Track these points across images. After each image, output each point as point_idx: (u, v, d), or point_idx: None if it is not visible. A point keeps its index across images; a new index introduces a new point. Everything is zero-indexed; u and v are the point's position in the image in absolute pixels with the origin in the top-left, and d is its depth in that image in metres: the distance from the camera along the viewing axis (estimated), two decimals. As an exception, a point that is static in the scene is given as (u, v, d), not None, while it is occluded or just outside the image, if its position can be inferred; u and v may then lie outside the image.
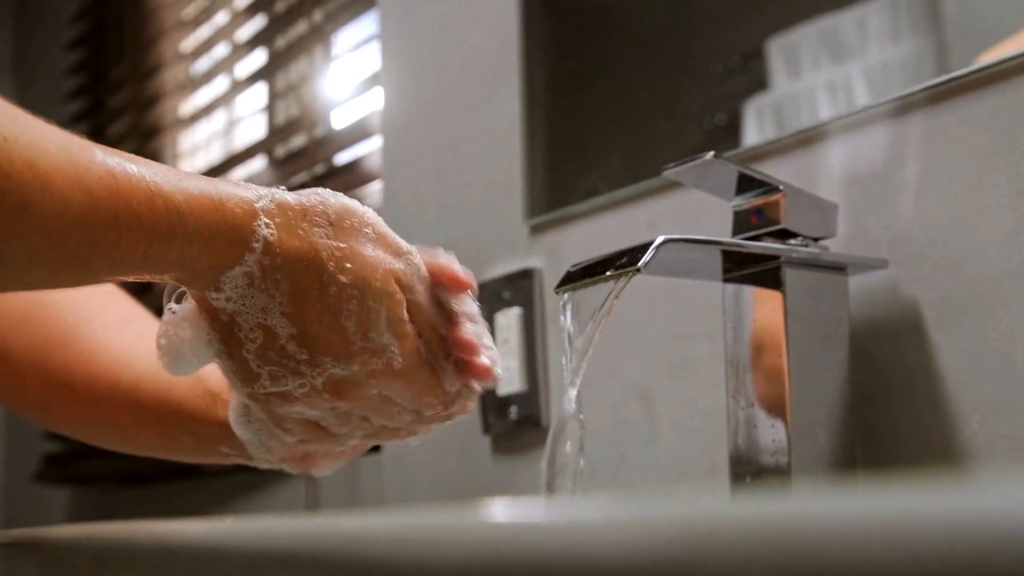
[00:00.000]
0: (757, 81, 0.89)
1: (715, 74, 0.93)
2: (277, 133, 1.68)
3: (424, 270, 0.60)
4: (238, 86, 1.80)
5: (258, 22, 1.75)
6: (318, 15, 1.59)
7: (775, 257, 0.71)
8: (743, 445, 0.73)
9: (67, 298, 0.76)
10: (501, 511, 0.27)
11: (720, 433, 0.80)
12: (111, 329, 0.76)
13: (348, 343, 0.57)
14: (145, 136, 1.97)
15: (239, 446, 0.68)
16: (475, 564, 0.26)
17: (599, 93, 1.05)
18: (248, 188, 0.56)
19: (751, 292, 0.74)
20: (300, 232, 0.56)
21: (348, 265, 0.56)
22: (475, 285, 0.64)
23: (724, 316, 0.75)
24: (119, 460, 1.47)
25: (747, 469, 0.73)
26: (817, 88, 0.85)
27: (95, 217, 0.51)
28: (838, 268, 0.74)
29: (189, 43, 1.93)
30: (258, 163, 1.74)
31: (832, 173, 0.82)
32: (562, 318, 0.69)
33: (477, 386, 0.64)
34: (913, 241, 0.76)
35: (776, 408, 0.71)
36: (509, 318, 1.08)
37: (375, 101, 1.40)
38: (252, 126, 1.82)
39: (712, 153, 0.69)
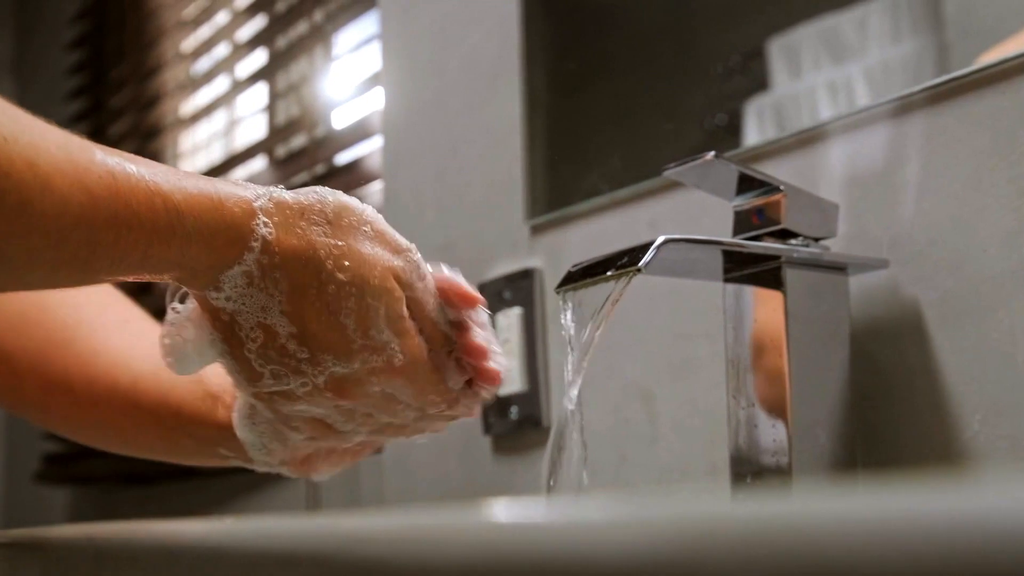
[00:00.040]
0: (758, 81, 0.89)
1: (716, 74, 0.93)
2: (278, 133, 1.68)
3: (424, 267, 0.60)
4: (239, 86, 1.80)
5: (259, 22, 1.75)
6: (319, 15, 1.59)
7: (776, 257, 0.71)
8: (744, 445, 0.73)
9: (66, 299, 0.76)
10: (502, 511, 0.27)
11: (721, 433, 0.80)
12: (110, 330, 0.76)
13: (348, 341, 0.57)
14: (146, 136, 1.97)
15: (239, 448, 0.68)
16: (476, 564, 0.26)
17: (599, 93, 1.05)
18: (247, 187, 0.56)
19: (752, 292, 0.74)
20: (298, 231, 0.56)
21: (346, 263, 0.56)
22: (484, 300, 0.64)
23: (725, 316, 0.75)
24: (119, 460, 1.47)
25: (748, 469, 0.73)
26: (818, 88, 0.85)
27: (95, 217, 0.51)
28: (839, 268, 0.74)
29: (190, 43, 1.93)
30: (259, 163, 1.74)
31: (833, 173, 0.82)
32: (563, 318, 0.68)
33: (487, 392, 0.64)
34: (914, 241, 0.76)
35: (777, 408, 0.71)
36: (510, 318, 1.08)
37: (376, 101, 1.40)
38: (253, 126, 1.82)
39: (713, 153, 0.69)
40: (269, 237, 0.55)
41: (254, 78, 1.74)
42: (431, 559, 0.27)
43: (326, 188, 0.58)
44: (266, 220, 0.55)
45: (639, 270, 0.65)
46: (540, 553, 0.24)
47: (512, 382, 1.08)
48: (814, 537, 0.19)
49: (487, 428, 1.11)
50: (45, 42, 2.35)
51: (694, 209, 0.91)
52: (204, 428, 0.70)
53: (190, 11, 1.92)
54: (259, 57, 1.75)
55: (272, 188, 0.57)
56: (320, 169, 1.55)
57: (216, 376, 0.69)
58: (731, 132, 0.91)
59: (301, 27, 1.63)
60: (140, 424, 0.73)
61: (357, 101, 1.47)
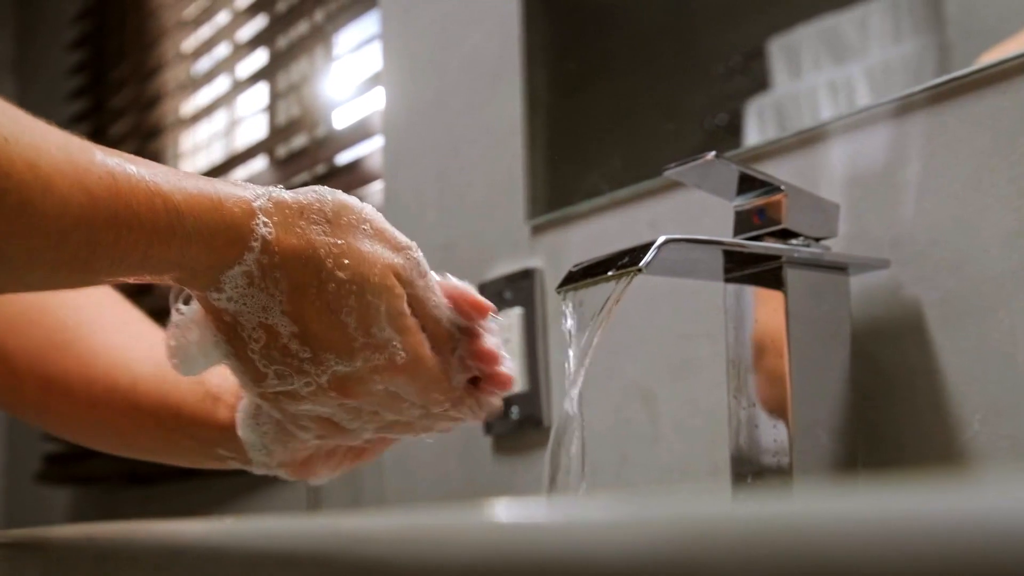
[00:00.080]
0: (758, 81, 0.89)
1: (716, 74, 0.93)
2: (278, 133, 1.68)
3: (425, 264, 0.60)
4: (239, 86, 1.80)
5: (259, 22, 1.75)
6: (319, 15, 1.59)
7: (777, 257, 0.71)
8: (745, 445, 0.73)
9: (66, 301, 0.76)
10: (503, 511, 0.27)
11: (722, 433, 0.80)
12: (110, 332, 0.76)
13: (350, 339, 0.57)
14: (146, 136, 1.97)
15: (238, 449, 0.68)
16: (477, 564, 0.26)
17: (600, 93, 1.05)
18: (246, 187, 0.57)
19: (753, 292, 0.74)
20: (297, 230, 0.56)
21: (346, 261, 0.56)
22: (495, 308, 0.64)
23: (725, 316, 0.75)
24: (120, 460, 1.47)
25: (749, 469, 0.73)
26: (818, 88, 0.85)
27: (95, 217, 0.51)
28: (840, 268, 0.74)
29: (190, 43, 1.93)
30: (259, 163, 1.74)
31: (833, 173, 0.82)
32: (563, 318, 0.68)
33: (495, 399, 0.64)
34: (914, 241, 0.76)
35: (778, 408, 0.71)
36: (510, 318, 1.08)
37: (376, 101, 1.40)
38: (253, 126, 1.82)
39: (713, 153, 0.69)
40: (269, 237, 0.55)
41: (255, 78, 1.74)
42: (432, 559, 0.27)
43: (325, 187, 0.58)
44: (266, 220, 0.55)
45: (640, 270, 0.65)
46: (541, 553, 0.24)
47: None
48: (815, 537, 0.19)
49: (488, 428, 1.11)
50: (46, 42, 2.35)
51: (695, 209, 0.91)
52: (204, 429, 0.70)
53: (191, 11, 1.92)
54: (260, 57, 1.75)
55: (271, 188, 0.57)
56: (321, 169, 1.55)
57: (217, 376, 0.69)
58: (732, 132, 0.91)
59: (302, 27, 1.64)
60: (139, 425, 0.73)
61: (358, 101, 1.47)
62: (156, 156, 1.94)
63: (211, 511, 1.61)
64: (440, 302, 0.60)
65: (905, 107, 0.78)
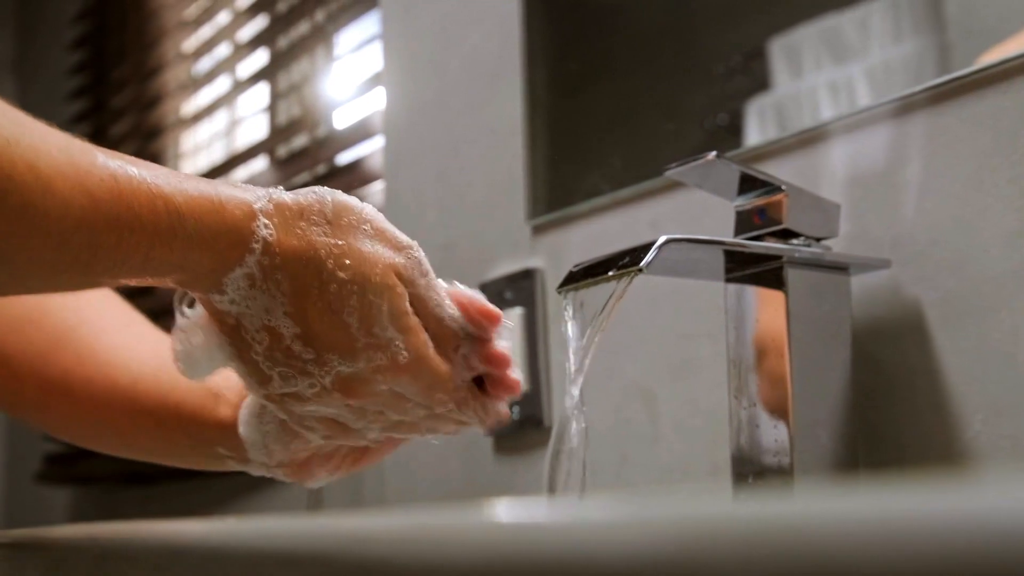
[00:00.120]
0: (759, 81, 0.89)
1: (717, 74, 0.93)
2: (279, 133, 1.68)
3: (426, 264, 0.60)
4: (240, 86, 1.80)
5: (260, 22, 1.75)
6: (320, 15, 1.59)
7: (777, 257, 0.71)
8: (745, 445, 0.73)
9: (66, 302, 0.76)
10: (503, 511, 0.27)
11: (722, 433, 0.80)
12: (110, 332, 0.76)
13: (352, 340, 0.57)
14: (147, 136, 1.97)
15: (237, 447, 0.68)
16: (477, 564, 0.26)
17: (601, 93, 1.05)
18: (246, 189, 0.57)
19: (753, 292, 0.74)
20: (298, 231, 0.56)
21: (347, 261, 0.56)
22: (505, 317, 0.64)
23: (726, 316, 0.75)
24: (121, 460, 1.47)
25: (749, 469, 0.73)
26: (819, 88, 0.85)
27: (96, 219, 0.51)
28: (840, 268, 0.74)
29: (191, 43, 1.93)
30: (260, 163, 1.74)
31: (834, 173, 0.82)
32: (564, 318, 0.68)
33: (503, 406, 0.64)
34: (915, 241, 0.76)
35: (778, 408, 0.71)
36: (511, 318, 1.09)
37: (377, 101, 1.40)
38: (254, 126, 1.82)
39: (714, 153, 0.69)
40: (270, 239, 0.55)
41: (255, 78, 1.74)
42: (433, 559, 0.27)
43: (325, 188, 0.58)
44: (266, 222, 0.56)
45: (641, 270, 0.65)
46: (542, 553, 0.24)
47: (513, 382, 1.08)
48: (816, 537, 0.19)
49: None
50: (46, 42, 2.35)
51: (695, 209, 0.91)
52: (203, 427, 0.70)
53: (191, 11, 1.92)
54: (260, 57, 1.75)
55: (272, 189, 0.57)
56: (321, 169, 1.55)
57: (218, 375, 0.69)
58: (732, 132, 0.91)
59: (302, 27, 1.64)
60: (139, 424, 0.73)
61: (358, 101, 1.47)
62: (157, 156, 1.94)
63: (211, 511, 1.61)
64: (442, 301, 0.60)
65: (906, 107, 0.78)
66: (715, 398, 0.87)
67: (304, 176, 1.58)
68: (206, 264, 0.55)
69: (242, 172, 1.77)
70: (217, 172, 1.79)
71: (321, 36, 1.58)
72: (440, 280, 0.61)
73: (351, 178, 1.44)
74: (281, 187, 0.58)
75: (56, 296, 0.75)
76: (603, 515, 0.24)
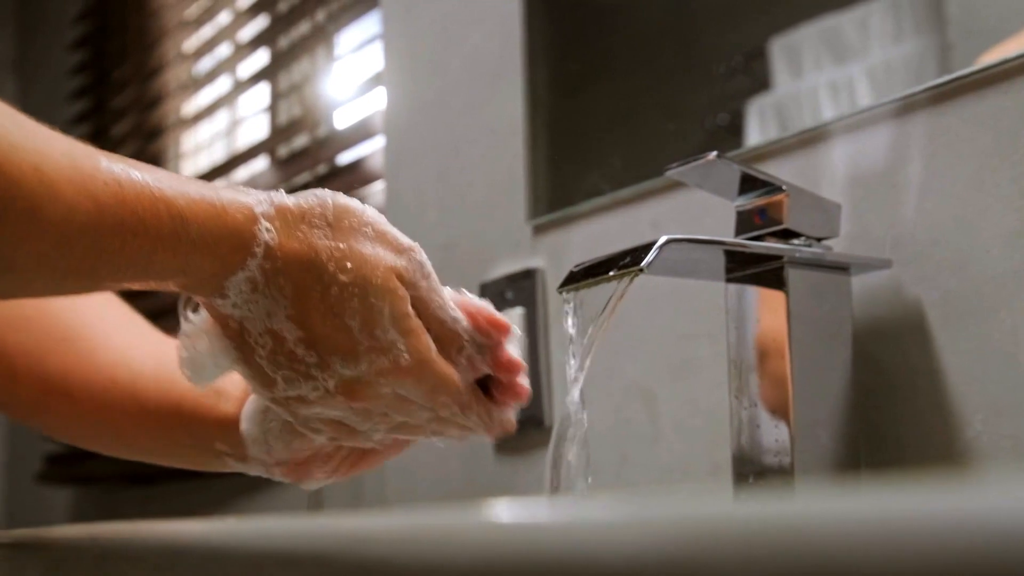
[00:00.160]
0: (759, 81, 0.89)
1: (717, 74, 0.93)
2: (279, 133, 1.68)
3: (428, 266, 0.60)
4: (240, 86, 1.80)
5: (260, 22, 1.75)
6: (320, 15, 1.59)
7: (778, 257, 0.71)
8: (746, 445, 0.73)
9: (66, 301, 0.76)
10: (504, 511, 0.27)
11: (723, 433, 0.80)
12: (111, 331, 0.76)
13: (354, 343, 0.57)
14: (148, 136, 1.97)
15: (237, 443, 0.68)
16: (478, 564, 0.26)
17: (601, 93, 1.05)
18: (248, 193, 0.57)
19: (754, 292, 0.74)
20: (299, 235, 0.56)
21: (348, 264, 0.56)
22: (515, 327, 0.64)
23: (727, 316, 0.75)
24: (121, 460, 1.47)
25: (750, 469, 0.73)
26: (819, 88, 0.85)
27: (101, 224, 0.51)
28: (841, 268, 0.74)
29: (192, 43, 1.93)
30: (260, 163, 1.74)
31: (835, 173, 0.82)
32: (565, 318, 0.68)
33: (510, 414, 0.64)
34: (916, 241, 0.76)
35: (779, 408, 0.71)
36: (512, 318, 1.08)
37: (377, 101, 1.40)
38: (254, 126, 1.82)
39: (715, 153, 0.69)
40: (271, 242, 0.55)
41: (256, 78, 1.74)
42: (433, 559, 0.27)
43: (327, 190, 0.58)
44: (268, 225, 0.56)
45: (641, 270, 0.65)
46: (542, 553, 0.24)
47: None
48: (817, 537, 0.19)
49: (489, 428, 1.11)
50: (47, 42, 2.35)
51: (696, 209, 0.91)
52: (204, 424, 0.70)
53: (192, 11, 1.92)
54: (261, 57, 1.75)
55: (273, 193, 0.57)
56: (322, 169, 1.55)
57: (223, 378, 0.69)
58: (733, 132, 0.91)
59: (303, 27, 1.64)
60: (138, 423, 0.73)
61: (359, 101, 1.48)
62: (158, 156, 1.94)
63: (212, 511, 1.61)
64: (445, 304, 0.60)
65: (906, 107, 0.78)
66: (715, 398, 0.87)
67: (305, 176, 1.58)
68: (208, 268, 0.55)
69: (243, 172, 1.77)
70: (218, 172, 1.79)
71: (322, 36, 1.58)
72: (449, 288, 0.62)
73: (352, 178, 1.44)
74: (282, 190, 0.58)
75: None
76: (603, 515, 0.24)
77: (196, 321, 0.60)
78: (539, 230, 1.09)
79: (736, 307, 0.75)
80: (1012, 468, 0.71)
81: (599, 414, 0.98)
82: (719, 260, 0.73)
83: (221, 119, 1.91)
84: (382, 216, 0.60)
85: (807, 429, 0.70)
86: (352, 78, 1.50)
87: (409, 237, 0.61)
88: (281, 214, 0.56)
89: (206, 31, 1.90)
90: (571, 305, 0.68)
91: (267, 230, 0.55)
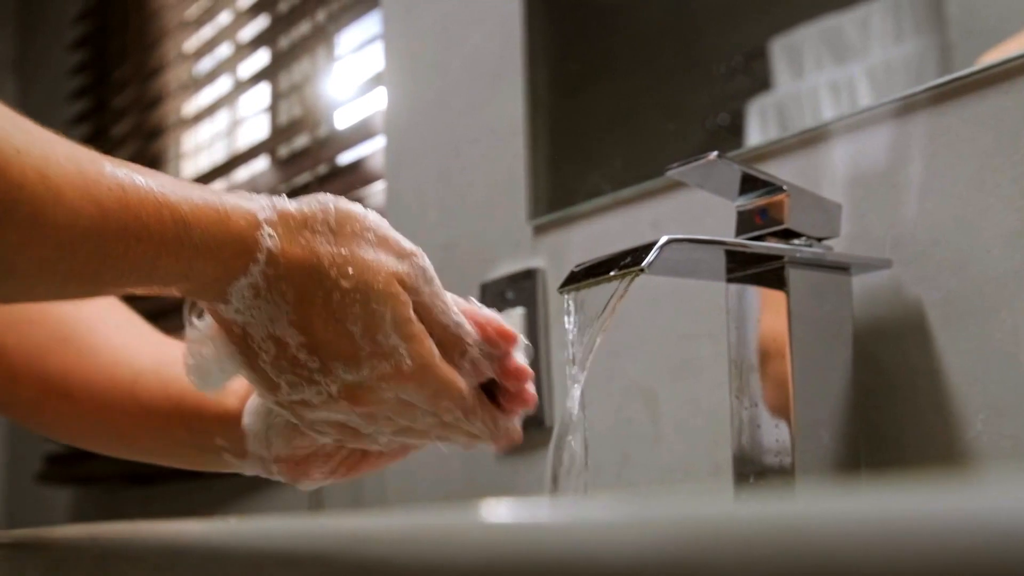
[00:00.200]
0: (760, 81, 0.89)
1: (718, 74, 0.93)
2: (280, 133, 1.68)
3: (431, 271, 0.60)
4: (241, 86, 1.80)
5: (261, 22, 1.75)
6: (321, 15, 1.59)
7: (779, 257, 0.71)
8: (747, 445, 0.73)
9: (67, 302, 0.76)
10: (504, 511, 0.27)
11: (724, 433, 0.80)
12: (110, 330, 0.76)
13: (356, 348, 0.57)
14: (148, 137, 1.97)
15: (237, 439, 0.68)
16: (478, 565, 0.26)
17: (602, 93, 1.05)
18: (251, 199, 0.57)
19: (755, 292, 0.73)
20: (302, 240, 0.56)
21: (350, 270, 0.56)
22: (523, 337, 0.64)
23: (728, 316, 0.75)
24: (121, 460, 1.47)
25: (751, 469, 0.73)
26: (820, 88, 0.85)
27: (105, 229, 0.52)
28: (842, 268, 0.74)
29: (192, 43, 1.93)
30: (261, 163, 1.74)
31: (835, 173, 0.82)
32: (565, 318, 0.68)
33: (516, 423, 0.64)
34: (917, 241, 0.76)
35: (780, 408, 0.71)
36: (512, 318, 1.08)
37: (378, 101, 1.40)
38: (255, 126, 1.82)
39: (716, 153, 0.69)
40: (274, 248, 0.56)
41: (256, 78, 1.74)
42: (433, 559, 0.27)
43: (329, 195, 0.59)
44: (271, 232, 0.56)
45: (642, 270, 0.65)
46: (542, 553, 0.24)
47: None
48: (817, 537, 0.19)
49: (489, 428, 1.11)
50: (47, 42, 2.35)
51: (697, 209, 0.91)
52: (204, 419, 0.70)
53: (192, 11, 1.92)
54: (261, 57, 1.75)
55: (276, 198, 0.58)
56: (322, 169, 1.55)
57: (230, 383, 0.69)
58: (733, 132, 0.91)
59: (303, 27, 1.64)
60: (138, 421, 0.73)
61: (359, 101, 1.47)
62: (158, 156, 1.94)
63: (213, 511, 1.61)
64: (448, 308, 0.60)
65: (907, 107, 0.78)
66: (716, 398, 0.87)
67: (305, 176, 1.58)
68: (211, 273, 0.55)
69: (243, 172, 1.77)
70: (218, 172, 1.79)
71: (322, 36, 1.58)
72: (458, 297, 0.62)
73: (352, 178, 1.44)
74: (285, 195, 0.58)
75: None
76: (604, 515, 0.24)
77: (201, 327, 0.60)
78: (540, 230, 1.09)
79: (737, 307, 0.75)
80: (1012, 468, 0.71)
81: (600, 414, 0.98)
82: (720, 260, 0.73)
83: (221, 119, 1.91)
84: (384, 221, 0.60)
85: (808, 429, 0.70)
86: (352, 78, 1.50)
87: (410, 237, 0.61)
88: (284, 220, 0.56)
89: (206, 31, 1.90)
90: (572, 305, 0.68)
91: (270, 236, 0.56)
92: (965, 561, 0.17)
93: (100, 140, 2.05)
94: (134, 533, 0.48)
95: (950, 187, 0.75)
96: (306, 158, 1.58)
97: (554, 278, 1.07)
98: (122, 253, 0.52)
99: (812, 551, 0.19)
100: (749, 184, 0.73)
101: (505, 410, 0.64)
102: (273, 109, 1.74)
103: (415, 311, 0.59)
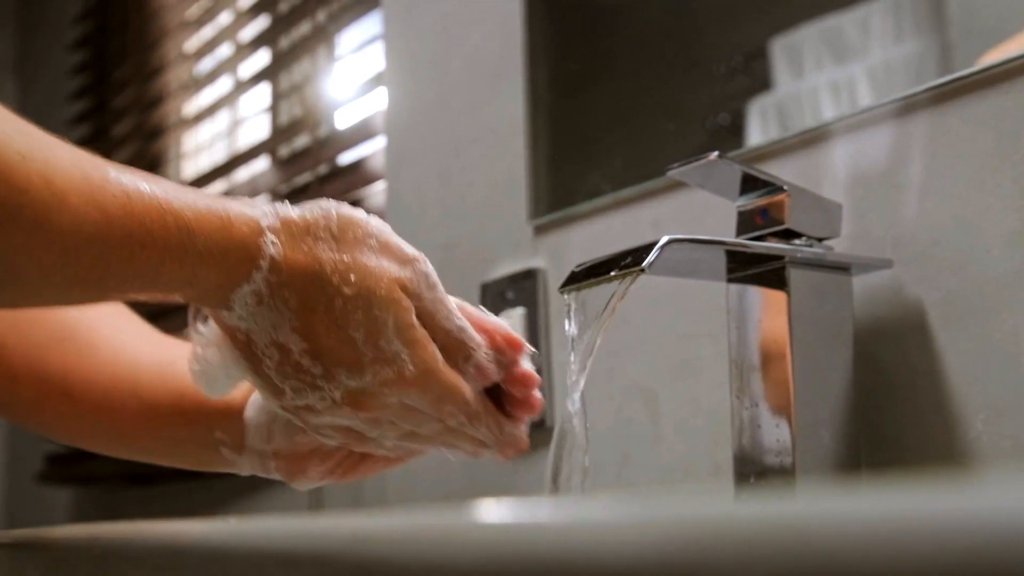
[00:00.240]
0: (760, 81, 0.89)
1: (718, 74, 0.93)
2: (280, 133, 1.68)
3: (434, 276, 0.60)
4: (241, 86, 1.80)
5: (261, 22, 1.75)
6: (321, 15, 1.59)
7: (779, 257, 0.71)
8: (747, 445, 0.73)
9: None
10: (505, 511, 0.27)
11: (724, 433, 0.80)
12: (111, 329, 0.77)
13: (359, 354, 0.57)
14: (148, 137, 1.97)
15: (237, 432, 0.68)
16: (479, 565, 0.26)
17: (602, 93, 1.05)
18: (254, 206, 0.57)
19: (755, 292, 0.73)
20: (304, 247, 0.56)
21: (352, 277, 0.56)
22: (530, 345, 0.64)
23: (728, 316, 0.75)
24: (121, 460, 1.47)
25: (751, 469, 0.73)
26: (820, 88, 0.85)
27: (109, 235, 0.52)
28: (842, 268, 0.74)
29: (192, 43, 1.93)
30: (261, 163, 1.74)
31: (836, 173, 0.82)
32: (566, 318, 0.68)
33: (522, 430, 0.64)
34: (917, 241, 0.76)
35: (780, 408, 0.71)
36: (513, 319, 1.08)
37: (378, 101, 1.40)
38: (255, 126, 1.82)
39: (716, 153, 0.69)
40: (277, 255, 0.56)
41: (257, 78, 1.74)
42: (434, 559, 0.27)
43: (331, 201, 0.59)
44: (274, 239, 0.56)
45: (643, 270, 0.65)
46: (542, 554, 0.24)
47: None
48: (818, 537, 0.19)
49: (490, 428, 1.11)
50: (48, 42, 2.35)
51: (697, 209, 0.91)
52: (204, 412, 0.70)
53: (193, 11, 1.92)
54: (262, 57, 1.75)
55: (279, 205, 0.58)
56: (323, 169, 1.55)
57: (236, 389, 0.69)
58: (734, 132, 0.91)
59: (304, 27, 1.64)
60: (138, 419, 0.73)
61: (360, 101, 1.48)
62: (158, 157, 1.94)
63: (213, 511, 1.61)
64: (451, 313, 0.60)
65: (907, 107, 0.78)
66: (717, 398, 0.87)
67: (305, 176, 1.58)
68: (214, 280, 0.55)
69: (244, 172, 1.77)
70: (219, 172, 1.79)
71: (323, 36, 1.58)
72: (466, 303, 0.62)
73: (352, 178, 1.44)
74: (286, 196, 0.58)
75: None
76: (604, 515, 0.24)
77: (206, 333, 0.60)
78: (540, 230, 1.09)
79: (737, 307, 0.75)
80: (1013, 468, 0.71)
81: (600, 414, 0.98)
82: (720, 260, 0.73)
83: (222, 119, 1.91)
84: (387, 226, 0.60)
85: (808, 429, 0.70)
86: (353, 78, 1.50)
87: (410, 237, 0.61)
88: (286, 227, 0.57)
89: (207, 31, 1.90)
90: (572, 305, 0.68)
91: (272, 243, 0.56)
92: (965, 561, 0.17)
93: (100, 140, 2.05)
94: (134, 533, 0.48)
95: (950, 187, 0.75)
96: (306, 158, 1.58)
97: (554, 278, 1.07)
98: (126, 259, 0.52)
99: (812, 551, 0.19)
100: (750, 184, 0.73)
101: (511, 417, 0.64)
102: (273, 109, 1.74)
103: (418, 317, 0.59)
